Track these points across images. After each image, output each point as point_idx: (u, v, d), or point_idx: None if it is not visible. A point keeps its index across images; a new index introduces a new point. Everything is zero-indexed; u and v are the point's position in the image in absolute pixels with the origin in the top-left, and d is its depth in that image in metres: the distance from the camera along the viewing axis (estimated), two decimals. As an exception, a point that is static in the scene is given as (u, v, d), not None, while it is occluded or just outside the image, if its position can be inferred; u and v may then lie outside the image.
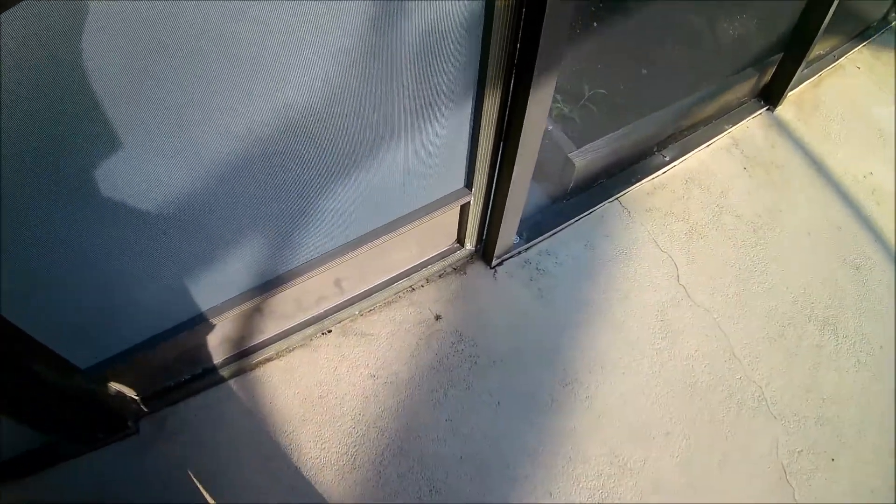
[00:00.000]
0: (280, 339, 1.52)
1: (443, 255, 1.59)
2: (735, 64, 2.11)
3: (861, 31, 2.55)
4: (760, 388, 1.75)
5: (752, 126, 2.11)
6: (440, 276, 1.63)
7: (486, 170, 1.36)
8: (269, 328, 1.52)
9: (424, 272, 1.59)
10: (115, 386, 1.39)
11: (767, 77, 2.11)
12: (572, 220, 1.72)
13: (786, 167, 2.05)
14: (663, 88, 2.03)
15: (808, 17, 1.92)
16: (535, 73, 1.11)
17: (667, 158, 1.90)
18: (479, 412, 1.51)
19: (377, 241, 1.36)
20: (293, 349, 1.56)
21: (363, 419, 1.49)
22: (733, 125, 2.05)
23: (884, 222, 2.07)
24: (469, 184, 1.39)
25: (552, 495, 1.49)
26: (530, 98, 1.16)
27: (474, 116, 1.23)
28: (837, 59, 2.39)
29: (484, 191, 1.43)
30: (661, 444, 1.61)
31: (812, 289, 1.90)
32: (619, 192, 1.80)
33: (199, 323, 1.27)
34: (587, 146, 1.69)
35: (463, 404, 1.51)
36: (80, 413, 1.32)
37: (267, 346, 1.52)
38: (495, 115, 1.23)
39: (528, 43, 1.07)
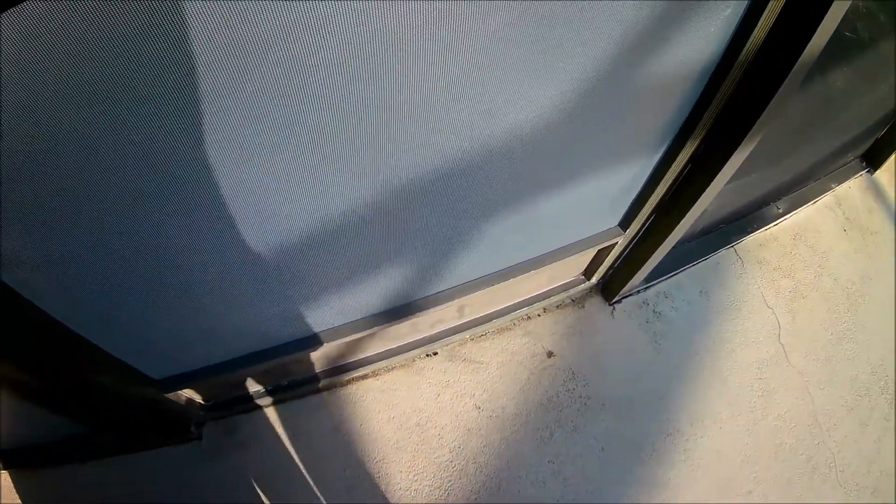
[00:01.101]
0: (382, 360, 1.38)
1: (567, 287, 1.48)
2: (844, 120, 2.06)
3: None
4: (833, 454, 1.76)
5: (853, 187, 2.08)
6: (558, 306, 1.52)
7: (647, 213, 1.25)
8: (374, 347, 1.38)
9: (545, 302, 1.47)
10: (185, 393, 1.23)
11: (872, 139, 2.08)
12: (691, 264, 1.65)
13: (879, 234, 2.04)
14: (776, 134, 1.96)
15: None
16: (753, 129, 1.00)
17: (780, 210, 1.84)
18: (584, 456, 1.43)
19: (520, 275, 1.23)
20: (392, 369, 1.42)
21: (462, 453, 1.38)
22: (838, 184, 2.01)
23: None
24: (625, 225, 1.28)
25: (639, 545, 1.45)
26: (735, 152, 1.05)
27: (661, 163, 1.11)
28: (927, 129, 2.38)
29: (634, 231, 1.32)
30: (742, 501, 1.59)
31: (888, 361, 1.91)
32: (735, 240, 1.73)
33: (304, 346, 1.12)
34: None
35: (568, 447, 1.43)
36: (139, 417, 1.17)
37: (366, 364, 1.38)
38: (682, 164, 1.12)
39: (756, 97, 0.95)
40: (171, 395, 1.16)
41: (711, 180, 1.12)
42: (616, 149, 1.00)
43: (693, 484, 1.52)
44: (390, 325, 1.17)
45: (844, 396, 1.80)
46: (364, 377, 1.38)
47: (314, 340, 1.11)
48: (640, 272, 1.43)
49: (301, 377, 1.32)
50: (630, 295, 1.57)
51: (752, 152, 1.18)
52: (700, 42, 0.81)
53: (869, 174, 2.13)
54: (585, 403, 1.46)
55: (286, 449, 1.31)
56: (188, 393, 1.24)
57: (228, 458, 1.28)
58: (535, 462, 1.40)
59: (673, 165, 1.10)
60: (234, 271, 0.83)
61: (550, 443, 1.41)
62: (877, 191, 2.13)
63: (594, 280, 1.50)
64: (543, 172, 0.95)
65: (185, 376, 1.09)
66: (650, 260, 1.38)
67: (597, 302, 1.55)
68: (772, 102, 0.93)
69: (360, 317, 1.13)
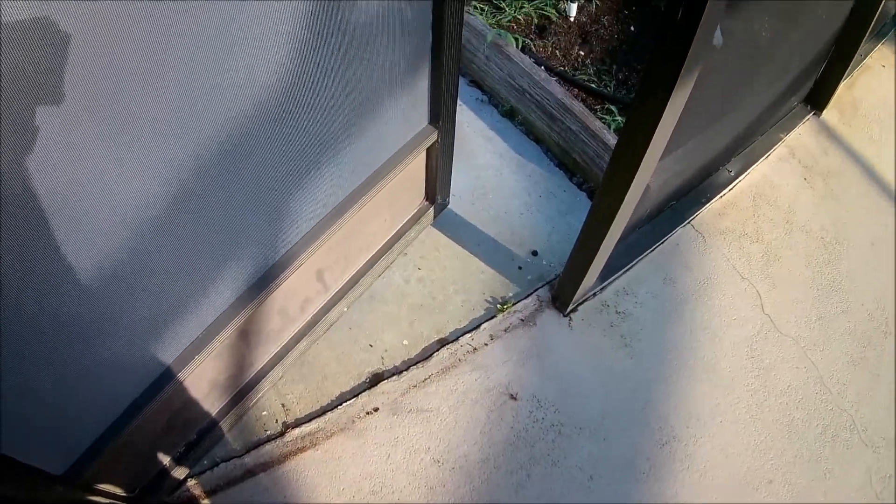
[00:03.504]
0: (276, 364, 1.29)
1: (415, 218, 1.46)
2: (777, 67, 1.98)
3: (879, 29, 2.49)
4: (851, 416, 1.61)
5: (803, 133, 1.98)
6: (506, 330, 1.38)
7: (450, 101, 1.22)
8: (260, 357, 1.29)
9: (487, 328, 1.35)
10: (105, 489, 1.11)
11: (812, 81, 1.99)
12: (647, 251, 1.52)
13: (841, 175, 1.93)
14: (709, 92, 1.86)
15: (856, 17, 1.80)
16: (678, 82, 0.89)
17: (732, 173, 1.73)
18: (570, 491, 1.28)
19: (355, 206, 1.17)
20: (331, 435, 1.27)
21: (433, 515, 1.22)
22: (786, 133, 1.91)
23: (937, 226, 1.98)
24: (434, 120, 1.24)
25: (659, 576, 1.28)
26: (665, 111, 0.94)
27: (434, 48, 1.09)
28: (864, 59, 2.30)
29: (448, 131, 1.28)
30: (765, 494, 1.43)
31: (883, 302, 1.78)
32: (691, 215, 1.61)
33: (175, 374, 1.02)
34: (659, 164, 1.48)
35: (550, 484, 1.27)
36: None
37: (264, 376, 1.29)
38: (451, 48, 1.09)
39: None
40: (91, 497, 1.05)
41: (645, 149, 1.01)
42: (390, 57, 1.00)
43: (703, 491, 1.36)
44: (248, 314, 1.08)
45: (847, 352, 1.66)
46: (301, 449, 1.24)
47: (183, 362, 1.01)
48: (590, 271, 1.30)
49: (207, 423, 1.21)
50: (585, 300, 1.44)
51: (686, 114, 1.10)
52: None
53: (816, 116, 2.04)
54: (560, 431, 1.31)
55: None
56: (108, 488, 1.12)
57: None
58: (519, 510, 1.24)
59: (444, 49, 1.08)
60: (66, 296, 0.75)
61: (529, 484, 1.26)
62: (828, 132, 2.03)
63: (440, 199, 1.48)
64: (335, 104, 0.95)
65: (86, 458, 0.98)
66: (598, 255, 1.25)
67: (549, 316, 1.42)
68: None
69: (215, 317, 1.04)
